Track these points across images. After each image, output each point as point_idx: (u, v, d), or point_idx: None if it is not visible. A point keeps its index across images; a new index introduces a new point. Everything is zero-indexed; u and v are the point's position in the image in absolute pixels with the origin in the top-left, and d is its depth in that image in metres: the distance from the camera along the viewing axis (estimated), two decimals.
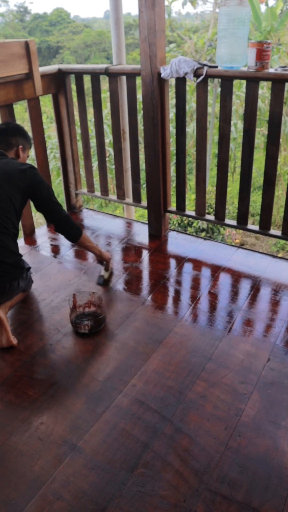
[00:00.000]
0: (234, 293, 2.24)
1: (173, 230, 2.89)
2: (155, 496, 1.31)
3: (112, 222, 3.03)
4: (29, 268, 2.19)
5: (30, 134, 2.35)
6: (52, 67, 2.75)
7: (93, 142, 6.72)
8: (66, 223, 2.09)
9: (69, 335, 1.98)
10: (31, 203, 2.45)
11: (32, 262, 2.56)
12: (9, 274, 1.94)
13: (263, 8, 7.85)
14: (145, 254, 2.61)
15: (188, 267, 2.47)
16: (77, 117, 2.96)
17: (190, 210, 2.76)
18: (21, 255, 2.03)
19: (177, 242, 2.74)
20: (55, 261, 2.58)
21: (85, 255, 2.64)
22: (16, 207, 1.96)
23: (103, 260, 2.27)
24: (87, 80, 3.05)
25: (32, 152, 2.82)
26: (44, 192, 2.02)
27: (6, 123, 2.17)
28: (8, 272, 1.93)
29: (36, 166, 2.85)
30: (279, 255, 4.95)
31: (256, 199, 8.65)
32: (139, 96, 3.51)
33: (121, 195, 2.98)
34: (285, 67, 2.08)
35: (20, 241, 2.78)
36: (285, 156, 8.04)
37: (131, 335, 1.96)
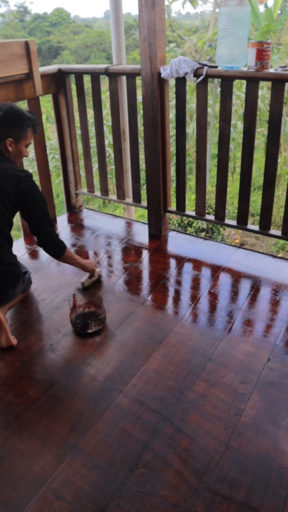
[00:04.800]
0: (234, 293, 2.24)
1: (173, 230, 2.89)
2: (155, 496, 1.31)
3: (112, 222, 3.03)
4: (26, 272, 2.13)
5: None
6: (52, 67, 2.75)
7: (93, 142, 6.72)
8: (50, 241, 2.03)
9: (69, 335, 1.98)
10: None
11: (32, 262, 2.56)
12: (5, 284, 1.93)
13: (262, 8, 7.86)
14: (145, 254, 2.61)
15: (188, 267, 2.47)
16: (77, 117, 2.96)
17: (190, 210, 2.76)
18: (17, 263, 1.99)
19: (177, 242, 2.74)
20: (55, 261, 2.58)
21: (85, 255, 2.64)
22: (9, 217, 1.90)
23: (87, 272, 2.29)
24: (87, 80, 3.05)
25: (32, 153, 2.82)
26: (35, 203, 1.93)
27: None
28: (4, 282, 1.92)
29: (36, 166, 2.85)
30: (279, 255, 4.95)
31: (256, 199, 8.66)
32: (139, 96, 3.51)
33: (121, 195, 2.98)
34: (285, 67, 2.08)
35: (20, 241, 2.78)
36: (285, 156, 8.04)
37: (131, 335, 1.96)
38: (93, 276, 2.31)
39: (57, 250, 2.07)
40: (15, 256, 2.00)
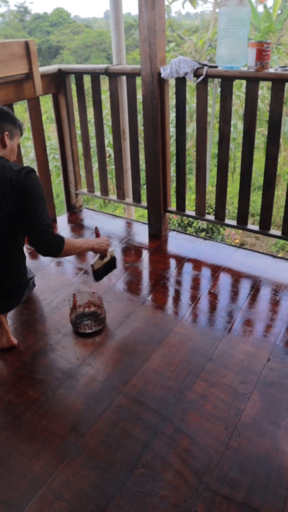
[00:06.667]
0: (234, 293, 2.24)
1: (173, 230, 2.89)
2: (155, 496, 1.31)
3: (112, 222, 3.03)
4: (32, 277, 2.12)
5: (30, 134, 2.32)
6: (52, 67, 2.75)
7: (93, 142, 6.72)
8: (41, 236, 1.70)
9: (69, 335, 1.98)
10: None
11: (32, 262, 2.56)
12: (15, 296, 1.94)
13: (262, 8, 7.86)
14: (145, 254, 2.61)
15: (188, 267, 2.47)
16: (77, 117, 2.96)
17: (190, 210, 2.76)
18: (26, 273, 1.95)
19: (177, 242, 2.74)
20: (55, 261, 2.58)
21: (85, 255, 2.64)
22: (16, 221, 1.74)
23: (100, 254, 2.05)
24: (87, 80, 3.05)
25: (32, 153, 2.82)
26: (34, 196, 1.71)
27: None
28: (16, 292, 1.93)
29: (36, 166, 2.85)
30: (279, 255, 4.94)
31: (256, 199, 8.65)
32: (139, 96, 3.51)
33: (121, 195, 2.98)
34: (285, 67, 2.08)
35: None
36: (285, 156, 8.05)
37: (131, 335, 1.96)
38: (105, 256, 2.05)
39: (55, 244, 1.73)
40: (24, 261, 1.92)
